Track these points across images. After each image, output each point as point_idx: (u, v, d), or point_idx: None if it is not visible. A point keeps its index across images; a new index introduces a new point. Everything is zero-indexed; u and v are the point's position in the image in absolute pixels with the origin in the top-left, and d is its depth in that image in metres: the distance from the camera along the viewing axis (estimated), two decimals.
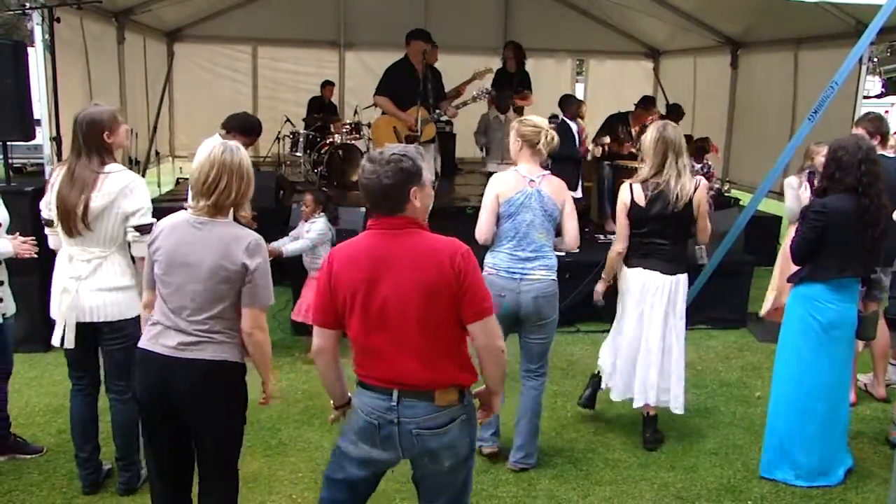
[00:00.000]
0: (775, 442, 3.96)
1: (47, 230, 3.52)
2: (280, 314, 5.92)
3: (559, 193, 3.87)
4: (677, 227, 4.08)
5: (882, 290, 4.64)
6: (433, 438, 2.46)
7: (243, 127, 4.83)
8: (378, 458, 2.56)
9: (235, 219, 2.87)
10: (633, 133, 7.93)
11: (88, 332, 3.44)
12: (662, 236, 4.06)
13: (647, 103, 8.57)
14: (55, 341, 3.45)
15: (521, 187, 3.80)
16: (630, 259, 4.17)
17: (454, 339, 2.49)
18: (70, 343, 3.40)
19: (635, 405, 4.24)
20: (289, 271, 5.89)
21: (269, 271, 2.78)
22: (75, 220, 3.30)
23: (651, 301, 4.11)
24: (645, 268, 4.10)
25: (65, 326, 3.40)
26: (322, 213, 5.57)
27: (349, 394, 2.66)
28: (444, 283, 2.40)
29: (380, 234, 2.48)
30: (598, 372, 4.46)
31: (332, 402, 2.69)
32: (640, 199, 4.03)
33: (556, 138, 3.90)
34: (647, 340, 4.14)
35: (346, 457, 2.61)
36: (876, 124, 4.72)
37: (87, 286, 3.38)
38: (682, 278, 4.15)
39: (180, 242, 2.73)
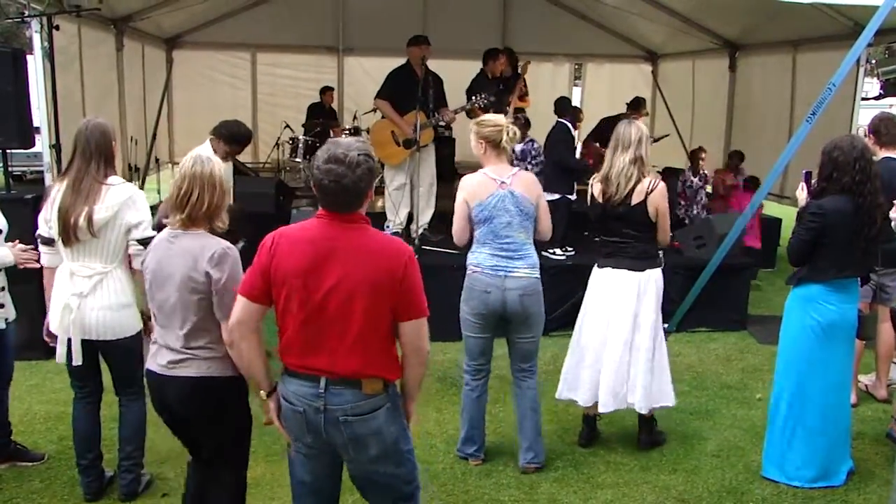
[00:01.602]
0: (777, 443, 3.96)
1: (43, 248, 3.48)
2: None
3: (532, 190, 3.85)
4: (634, 225, 3.99)
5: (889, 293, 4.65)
6: (361, 424, 2.47)
7: (230, 136, 4.89)
8: (313, 445, 2.56)
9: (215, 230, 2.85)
10: None
11: (89, 347, 3.43)
12: (623, 235, 4.02)
13: (636, 105, 8.57)
14: (59, 359, 3.42)
15: (491, 190, 3.77)
16: (599, 260, 4.18)
17: (389, 335, 2.52)
18: (78, 360, 3.39)
19: (612, 407, 4.12)
20: None
21: (239, 281, 2.72)
22: (76, 230, 3.27)
23: (620, 300, 4.04)
24: (613, 267, 4.07)
25: (68, 343, 3.37)
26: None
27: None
28: (388, 280, 2.44)
29: (331, 224, 2.47)
30: (588, 412, 4.31)
31: (261, 391, 2.62)
32: (598, 194, 4.06)
33: (518, 133, 3.90)
34: (616, 341, 4.05)
35: (294, 460, 2.65)
36: (875, 123, 4.69)
37: (88, 304, 3.36)
38: (654, 274, 4.06)
39: (160, 259, 2.78)
